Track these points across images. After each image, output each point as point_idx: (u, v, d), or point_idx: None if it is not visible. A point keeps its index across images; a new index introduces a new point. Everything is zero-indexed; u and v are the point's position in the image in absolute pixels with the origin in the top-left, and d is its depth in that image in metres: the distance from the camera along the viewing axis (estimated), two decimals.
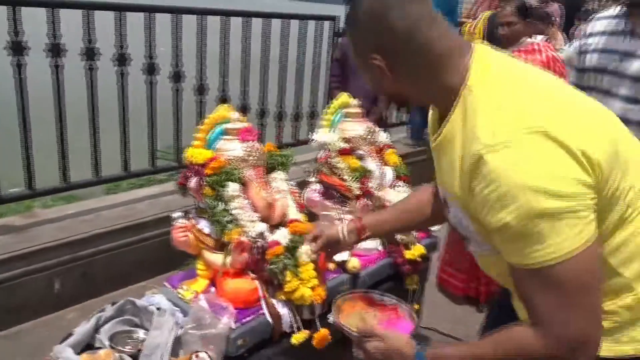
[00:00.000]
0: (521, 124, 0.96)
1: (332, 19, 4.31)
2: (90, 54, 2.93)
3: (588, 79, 2.09)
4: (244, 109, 3.78)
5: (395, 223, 1.64)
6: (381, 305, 1.53)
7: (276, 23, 3.87)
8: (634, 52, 1.93)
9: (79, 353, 1.55)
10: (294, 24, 4.00)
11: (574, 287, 0.98)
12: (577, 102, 1.10)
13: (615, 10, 2.05)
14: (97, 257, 2.88)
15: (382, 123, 4.14)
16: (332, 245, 1.65)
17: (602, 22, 2.09)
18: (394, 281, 2.20)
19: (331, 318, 1.41)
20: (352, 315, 1.43)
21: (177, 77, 3.38)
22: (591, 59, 2.07)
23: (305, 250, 1.67)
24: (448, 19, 1.05)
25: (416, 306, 2.28)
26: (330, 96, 4.21)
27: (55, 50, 2.79)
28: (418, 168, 4.89)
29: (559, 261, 0.95)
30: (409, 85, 1.14)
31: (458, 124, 1.06)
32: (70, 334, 1.63)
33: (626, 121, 1.72)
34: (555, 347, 1.02)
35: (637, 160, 1.09)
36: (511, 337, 1.09)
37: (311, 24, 4.15)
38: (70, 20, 2.94)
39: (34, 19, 2.99)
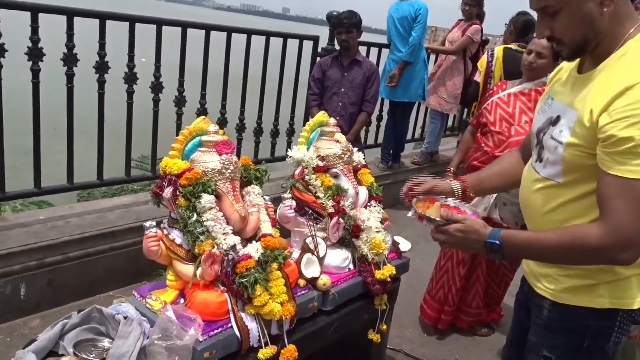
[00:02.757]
0: None
1: (314, 38, 4.36)
2: (70, 60, 2.92)
3: None
4: (222, 123, 3.79)
5: (493, 182, 1.86)
6: (446, 205, 1.71)
7: (259, 40, 3.91)
8: None
9: (42, 359, 1.53)
10: (277, 42, 4.05)
11: None
12: None
13: None
14: (65, 265, 2.84)
15: (358, 143, 4.20)
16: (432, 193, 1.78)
17: None
18: (364, 300, 2.22)
19: (410, 213, 1.63)
20: (428, 211, 1.62)
21: (157, 88, 3.37)
22: None
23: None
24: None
25: (383, 327, 2.30)
26: (309, 114, 4.26)
27: (34, 54, 2.77)
28: (385, 190, 5.00)
29: None
30: (611, 22, 1.33)
31: (613, 60, 1.33)
32: (33, 340, 1.60)
33: None
34: (609, 238, 1.26)
35: None
36: (576, 228, 1.37)
37: (293, 42, 4.20)
38: (50, 25, 2.94)
39: (13, 21, 2.98)
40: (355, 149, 2.41)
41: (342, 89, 4.04)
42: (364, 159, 2.48)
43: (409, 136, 5.86)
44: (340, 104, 4.05)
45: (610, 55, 1.34)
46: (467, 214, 1.65)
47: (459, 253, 3.03)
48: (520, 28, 4.24)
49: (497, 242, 1.42)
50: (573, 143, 1.35)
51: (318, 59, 4.30)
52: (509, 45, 4.11)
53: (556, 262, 1.46)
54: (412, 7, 4.73)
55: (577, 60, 1.47)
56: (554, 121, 1.44)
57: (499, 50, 4.11)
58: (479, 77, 4.37)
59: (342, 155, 2.26)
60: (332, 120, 2.33)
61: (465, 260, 3.01)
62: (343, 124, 3.98)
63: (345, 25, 3.95)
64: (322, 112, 2.37)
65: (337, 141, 2.29)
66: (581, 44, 1.36)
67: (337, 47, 4.22)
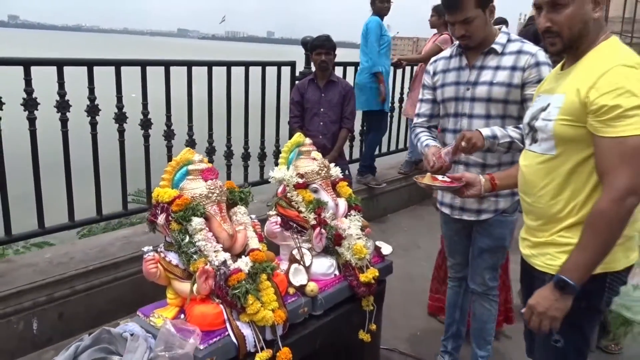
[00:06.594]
0: (637, 60, 1.57)
1: (291, 64, 4.59)
2: (63, 106, 3.13)
3: (449, 107, 2.52)
4: (210, 152, 4.00)
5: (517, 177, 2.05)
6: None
7: (241, 69, 4.14)
8: (477, 80, 2.40)
9: None
10: (258, 68, 4.29)
11: (638, 152, 1.50)
12: None
13: (448, 52, 2.55)
14: (73, 298, 3.01)
15: (342, 158, 4.41)
16: (468, 185, 2.18)
17: (441, 62, 2.57)
18: (352, 303, 2.39)
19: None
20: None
21: (146, 124, 3.59)
22: (446, 91, 2.51)
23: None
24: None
25: (373, 326, 2.47)
26: (292, 136, 4.47)
27: (30, 104, 2.98)
28: (375, 202, 5.21)
29: (638, 134, 1.49)
30: (596, 25, 1.66)
31: (590, 55, 1.66)
32: None
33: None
34: (615, 196, 1.53)
35: None
36: (591, 212, 1.61)
37: (273, 68, 4.43)
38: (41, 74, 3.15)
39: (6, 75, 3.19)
40: (332, 164, 2.60)
41: (322, 109, 4.26)
42: (341, 173, 2.67)
43: (392, 147, 6.08)
44: (321, 123, 4.27)
45: (586, 54, 1.67)
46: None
47: None
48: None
49: (565, 278, 1.62)
50: (561, 118, 1.65)
51: (296, 82, 4.53)
52: None
53: (606, 249, 1.60)
54: (365, 24, 5.15)
55: (559, 65, 1.81)
56: (545, 108, 1.74)
57: None
58: None
59: (320, 171, 2.45)
60: (308, 140, 2.53)
61: None
62: (326, 142, 4.20)
63: (326, 47, 4.19)
64: (299, 133, 2.58)
65: (314, 159, 2.49)
66: (575, 39, 1.67)
67: (313, 69, 4.45)
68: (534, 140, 1.80)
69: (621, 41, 1.73)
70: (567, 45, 1.69)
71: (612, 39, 1.69)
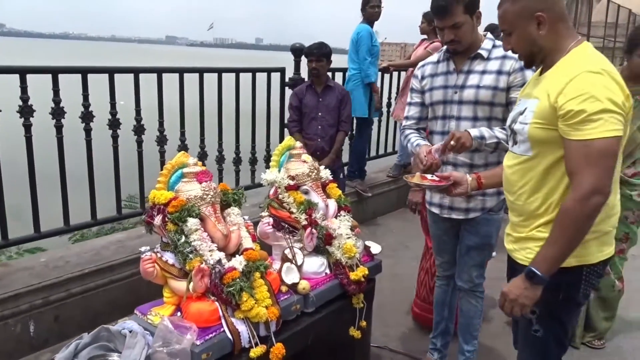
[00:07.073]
0: (603, 66, 1.66)
1: (281, 70, 4.69)
2: (58, 113, 3.19)
3: (437, 110, 2.62)
4: (202, 157, 4.07)
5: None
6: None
7: (231, 75, 4.22)
8: (465, 84, 2.51)
9: None
10: (248, 74, 4.37)
11: (602, 154, 1.61)
12: None
13: (435, 57, 2.65)
14: (69, 301, 3.06)
15: (339, 160, 4.54)
16: (456, 184, 2.28)
17: (429, 67, 2.66)
18: (342, 300, 2.47)
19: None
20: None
21: (139, 130, 3.66)
22: (435, 95, 2.61)
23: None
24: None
25: (363, 323, 2.55)
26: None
27: (25, 111, 3.04)
28: (364, 205, 5.30)
29: (602, 137, 1.60)
30: (550, 40, 1.79)
31: (561, 62, 1.77)
32: None
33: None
34: (580, 195, 1.63)
35: None
36: (560, 210, 1.71)
37: (262, 75, 4.52)
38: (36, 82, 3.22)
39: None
40: (322, 167, 2.69)
41: (320, 114, 4.39)
42: (338, 174, 2.76)
43: (381, 151, 6.18)
44: (319, 127, 4.40)
45: (559, 61, 1.77)
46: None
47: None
48: None
49: (534, 269, 1.74)
50: (535, 122, 1.77)
51: (286, 88, 4.62)
52: None
53: (572, 244, 1.71)
54: (355, 32, 5.22)
55: (540, 69, 1.91)
56: (522, 111, 1.86)
57: None
58: None
59: (310, 173, 2.54)
60: (299, 144, 2.62)
61: None
62: (324, 145, 4.37)
63: (315, 54, 4.31)
64: (289, 137, 2.66)
65: (305, 161, 2.57)
66: (530, 55, 1.85)
67: (302, 75, 4.56)
68: (515, 142, 1.91)
69: (605, 45, 1.85)
70: (528, 61, 1.90)
71: (582, 45, 1.79)
